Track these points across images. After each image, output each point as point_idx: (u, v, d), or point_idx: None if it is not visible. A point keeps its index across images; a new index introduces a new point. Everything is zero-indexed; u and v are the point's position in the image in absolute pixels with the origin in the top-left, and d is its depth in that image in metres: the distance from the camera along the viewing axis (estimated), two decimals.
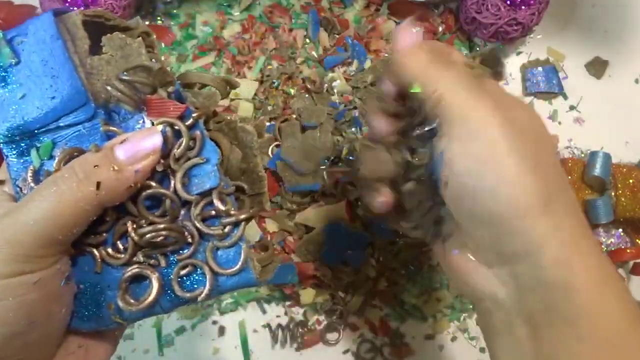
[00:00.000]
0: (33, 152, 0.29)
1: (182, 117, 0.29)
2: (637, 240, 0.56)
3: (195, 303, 0.30)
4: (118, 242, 0.29)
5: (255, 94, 0.57)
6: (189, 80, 0.33)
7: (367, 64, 0.59)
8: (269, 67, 0.58)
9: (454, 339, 0.56)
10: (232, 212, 0.29)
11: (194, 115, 0.29)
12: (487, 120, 0.28)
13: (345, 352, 0.55)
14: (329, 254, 0.53)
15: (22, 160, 0.29)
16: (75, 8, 0.54)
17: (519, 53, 0.63)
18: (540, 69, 0.61)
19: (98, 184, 0.26)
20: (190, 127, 0.29)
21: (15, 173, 0.29)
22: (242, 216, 0.29)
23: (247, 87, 0.57)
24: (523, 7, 0.56)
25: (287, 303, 0.56)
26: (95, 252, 0.29)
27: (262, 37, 0.59)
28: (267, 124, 0.57)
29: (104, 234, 0.29)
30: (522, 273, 0.28)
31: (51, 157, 0.29)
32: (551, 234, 0.27)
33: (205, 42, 0.59)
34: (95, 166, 0.26)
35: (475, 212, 0.29)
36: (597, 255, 0.28)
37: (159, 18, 0.61)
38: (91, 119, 0.29)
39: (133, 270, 0.29)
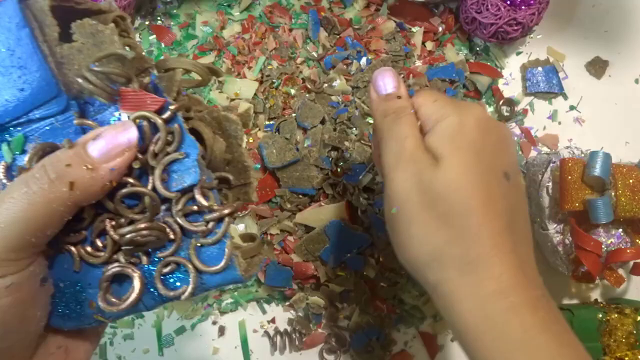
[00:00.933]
0: (4, 146, 0.27)
1: (159, 111, 0.27)
2: (637, 240, 0.56)
3: (179, 300, 0.29)
4: (97, 240, 0.28)
5: (255, 94, 0.57)
6: (169, 65, 0.31)
7: (363, 62, 0.59)
8: (269, 67, 0.58)
9: (454, 339, 0.56)
10: (215, 208, 0.28)
11: (171, 107, 0.27)
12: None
13: (345, 351, 0.55)
14: (328, 253, 0.53)
15: None
16: None
17: (519, 53, 0.63)
18: (540, 69, 0.61)
19: (71, 184, 0.25)
20: (168, 121, 0.27)
21: None
22: (226, 211, 0.28)
23: (247, 87, 0.57)
24: (523, 7, 0.56)
25: (287, 303, 0.56)
26: (74, 250, 0.28)
27: (262, 37, 0.59)
28: (267, 122, 0.57)
29: (83, 232, 0.28)
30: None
31: (24, 152, 0.27)
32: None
33: (205, 42, 0.59)
34: (67, 165, 0.25)
35: None
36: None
37: (159, 18, 0.61)
38: (64, 111, 0.27)
39: (114, 269, 0.28)
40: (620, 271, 0.56)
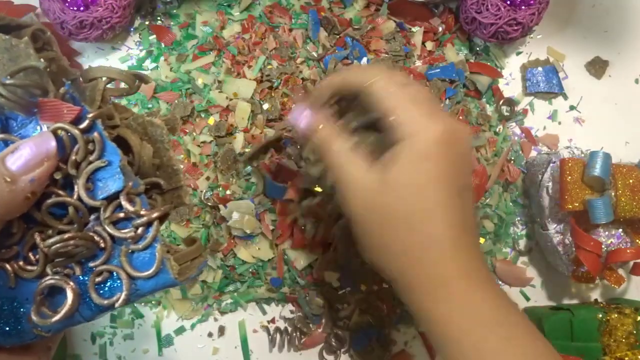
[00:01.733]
0: None
1: (78, 120, 0.27)
2: (637, 240, 0.56)
3: (114, 309, 0.29)
4: (30, 254, 0.28)
5: (252, 96, 0.57)
6: (94, 75, 0.31)
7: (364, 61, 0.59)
8: (269, 67, 0.58)
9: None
10: (143, 212, 0.28)
11: (89, 116, 0.27)
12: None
13: (345, 352, 0.55)
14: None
15: None
16: (75, 9, 0.54)
17: (519, 53, 0.63)
18: (540, 69, 0.61)
19: None
20: (88, 130, 0.27)
21: None
22: (154, 215, 0.28)
23: (245, 86, 0.57)
24: (523, 7, 0.56)
25: (287, 305, 0.56)
26: (7, 266, 0.28)
27: (262, 37, 0.59)
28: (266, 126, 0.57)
29: (14, 247, 0.28)
30: None
31: None
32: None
33: (205, 42, 0.59)
34: None
35: None
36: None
37: (158, 18, 0.61)
38: None
39: (46, 282, 0.28)
40: (620, 271, 0.56)
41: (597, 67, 0.62)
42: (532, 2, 0.56)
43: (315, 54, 0.59)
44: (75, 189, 0.27)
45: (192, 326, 0.56)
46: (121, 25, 0.57)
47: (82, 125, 0.27)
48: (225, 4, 0.61)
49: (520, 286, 0.59)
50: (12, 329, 0.28)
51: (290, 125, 0.38)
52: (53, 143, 0.26)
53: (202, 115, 0.57)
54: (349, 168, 0.36)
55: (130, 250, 0.28)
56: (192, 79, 0.58)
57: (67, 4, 0.54)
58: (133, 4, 0.58)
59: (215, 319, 0.56)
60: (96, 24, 0.55)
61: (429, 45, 0.61)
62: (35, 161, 0.26)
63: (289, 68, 0.58)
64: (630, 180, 0.54)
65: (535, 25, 0.58)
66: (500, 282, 0.59)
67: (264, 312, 0.56)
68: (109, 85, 0.30)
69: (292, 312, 0.56)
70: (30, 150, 0.26)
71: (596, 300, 0.59)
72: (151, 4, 0.61)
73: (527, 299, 0.59)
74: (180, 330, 0.56)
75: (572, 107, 0.62)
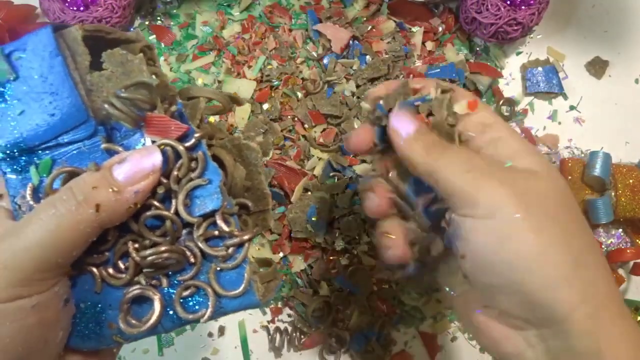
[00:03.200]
0: (32, 169, 0.28)
1: (184, 137, 0.28)
2: (637, 240, 0.56)
3: (197, 323, 0.29)
4: (119, 262, 0.28)
5: (252, 96, 0.57)
6: (192, 94, 0.32)
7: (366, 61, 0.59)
8: (269, 67, 0.58)
9: (453, 339, 0.56)
10: (236, 233, 0.28)
11: (196, 135, 0.28)
12: (497, 198, 0.27)
13: (345, 352, 0.55)
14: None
15: (20, 177, 0.28)
16: (75, 9, 0.54)
17: (519, 53, 0.63)
18: (540, 69, 0.61)
19: (97, 206, 0.25)
20: (192, 148, 0.28)
21: (14, 190, 0.28)
22: (246, 237, 0.29)
23: (245, 86, 0.57)
24: (523, 7, 0.56)
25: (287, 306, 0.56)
26: (95, 271, 0.28)
27: (262, 37, 0.59)
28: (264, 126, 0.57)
29: (106, 253, 0.28)
30: (550, 337, 0.27)
31: None
32: (577, 305, 0.26)
33: (205, 42, 0.59)
34: (93, 188, 0.26)
35: (496, 284, 0.28)
36: (626, 321, 0.27)
37: (159, 18, 0.61)
38: (92, 137, 0.28)
39: (135, 291, 0.28)
40: (620, 271, 0.56)
41: (597, 67, 0.62)
42: (532, 2, 0.56)
43: (315, 54, 0.59)
44: (173, 203, 0.28)
45: (193, 326, 0.56)
46: (121, 25, 0.57)
47: (188, 144, 0.28)
48: (225, 4, 0.61)
49: None
50: (92, 333, 0.29)
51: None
52: (159, 157, 0.27)
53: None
54: (478, 164, 0.29)
55: (219, 268, 0.29)
56: (192, 79, 0.58)
57: (67, 4, 0.54)
58: (133, 4, 0.58)
59: (215, 319, 0.56)
60: (96, 24, 0.55)
61: (429, 45, 0.61)
62: (141, 174, 0.26)
63: (289, 68, 0.58)
64: (630, 180, 0.54)
65: (535, 25, 0.58)
66: None
67: (264, 312, 0.56)
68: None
69: (289, 315, 0.56)
70: (136, 163, 0.27)
71: None
72: (151, 4, 0.61)
73: None
74: (180, 330, 0.56)
75: (572, 107, 0.62)
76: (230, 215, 0.29)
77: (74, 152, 0.28)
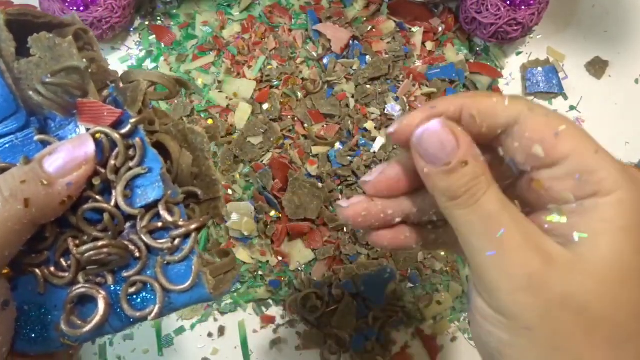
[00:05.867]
0: None
1: (119, 123, 0.26)
2: None
3: (145, 321, 0.27)
4: (61, 260, 0.27)
5: (252, 96, 0.57)
6: (134, 78, 0.29)
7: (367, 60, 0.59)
8: (269, 67, 0.58)
9: (453, 339, 0.56)
10: (181, 223, 0.27)
11: (131, 120, 0.26)
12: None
13: (345, 352, 0.55)
14: None
15: None
16: (75, 9, 0.54)
17: (519, 53, 0.63)
18: (540, 69, 0.61)
19: (26, 201, 0.24)
20: (129, 135, 0.26)
21: None
22: (193, 226, 0.27)
23: (245, 86, 0.57)
24: (523, 7, 0.56)
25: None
26: (37, 271, 0.27)
27: (262, 37, 0.59)
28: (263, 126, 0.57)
29: (45, 252, 0.27)
30: None
31: None
32: None
33: (205, 42, 0.59)
34: (22, 182, 0.24)
35: None
36: None
37: (158, 18, 0.61)
38: (24, 128, 0.26)
39: (77, 290, 0.27)
40: None
41: (597, 67, 0.62)
42: (532, 2, 0.56)
43: (315, 54, 0.59)
44: (113, 195, 0.26)
45: (192, 326, 0.56)
46: (121, 26, 0.57)
47: (124, 130, 0.26)
48: (225, 4, 0.61)
49: None
50: (38, 336, 0.27)
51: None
52: (92, 146, 0.25)
53: (202, 116, 0.57)
54: (515, 236, 0.24)
55: (165, 262, 0.27)
56: (192, 79, 0.58)
57: (67, 4, 0.54)
58: (133, 4, 0.58)
59: (215, 319, 0.56)
60: (96, 24, 0.55)
61: (429, 45, 0.61)
62: (73, 164, 0.25)
63: (289, 68, 0.58)
64: None
65: (535, 25, 0.58)
66: None
67: (264, 313, 0.56)
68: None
69: (286, 316, 0.56)
70: (68, 153, 0.25)
71: None
72: (151, 4, 0.61)
73: None
74: (180, 331, 0.56)
75: (572, 107, 0.62)
76: (175, 205, 0.27)
77: (6, 145, 0.27)
